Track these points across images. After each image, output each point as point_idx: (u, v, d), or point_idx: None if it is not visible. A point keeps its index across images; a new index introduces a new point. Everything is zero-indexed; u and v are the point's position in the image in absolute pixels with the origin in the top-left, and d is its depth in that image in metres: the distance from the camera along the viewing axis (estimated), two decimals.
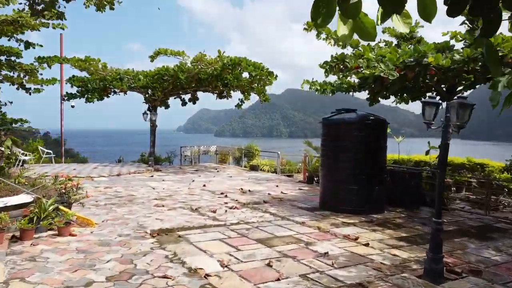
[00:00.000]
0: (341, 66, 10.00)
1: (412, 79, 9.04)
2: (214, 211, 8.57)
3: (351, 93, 13.07)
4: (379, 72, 8.61)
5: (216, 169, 18.28)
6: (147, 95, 17.78)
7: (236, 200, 10.15)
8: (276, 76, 15.65)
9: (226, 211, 8.73)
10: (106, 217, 7.71)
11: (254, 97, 19.31)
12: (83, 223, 6.99)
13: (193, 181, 13.79)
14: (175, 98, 21.32)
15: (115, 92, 18.17)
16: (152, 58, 15.48)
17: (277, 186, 13.03)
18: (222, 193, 11.22)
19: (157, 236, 6.52)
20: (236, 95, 19.73)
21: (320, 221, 8.06)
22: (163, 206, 9.04)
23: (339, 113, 9.78)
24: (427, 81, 9.37)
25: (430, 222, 6.30)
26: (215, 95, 20.06)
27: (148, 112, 17.26)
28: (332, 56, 10.19)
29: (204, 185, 12.71)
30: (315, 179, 14.21)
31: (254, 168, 17.74)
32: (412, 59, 8.56)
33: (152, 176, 14.72)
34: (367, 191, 9.04)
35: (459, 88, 10.03)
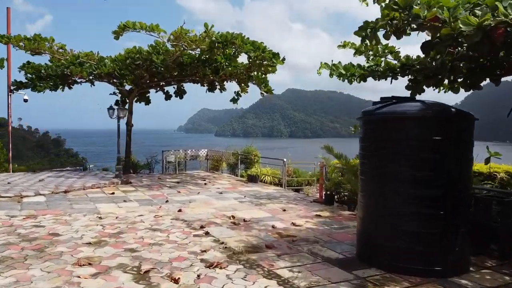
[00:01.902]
0: (401, 23, 6.06)
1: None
2: (177, 280, 4.68)
3: (389, 79, 9.37)
4: (492, 21, 4.57)
5: (205, 179, 14.41)
6: (117, 86, 13.88)
7: (222, 244, 6.28)
8: (283, 59, 11.74)
9: (199, 276, 4.85)
10: None
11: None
12: None
13: (167, 201, 9.92)
14: (157, 91, 17.47)
15: (76, 82, 14.32)
16: (117, 34, 11.57)
17: (284, 210, 9.16)
18: (202, 227, 7.35)
19: None
20: (231, 87, 15.86)
21: None
22: (89, 264, 5.15)
23: (389, 103, 5.88)
24: None
25: None
26: (205, 87, 16.18)
27: (114, 107, 13.28)
28: (384, 6, 6.20)
29: (180, 210, 8.84)
30: (336, 198, 10.37)
31: (252, 179, 13.87)
32: None
33: (113, 193, 10.84)
34: (444, 237, 5.18)
35: None
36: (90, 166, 20.20)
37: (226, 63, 12.79)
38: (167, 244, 6.20)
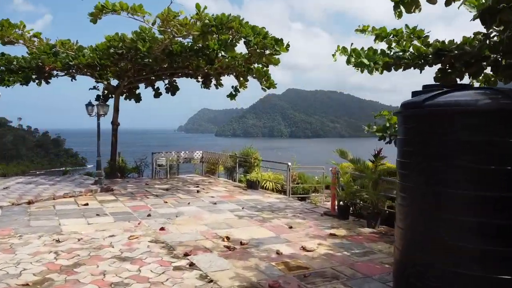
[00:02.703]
0: None
1: None
2: None
3: (417, 69, 7.94)
4: None
5: (198, 185, 12.74)
6: (97, 79, 12.19)
7: (211, 283, 4.63)
8: (288, 45, 10.05)
9: None
10: None
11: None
12: None
13: (149, 215, 8.26)
14: (146, 87, 15.82)
15: (52, 75, 12.66)
16: (94, 17, 9.86)
17: (290, 227, 7.49)
18: (186, 254, 5.69)
19: None
20: (229, 82, 14.20)
21: None
22: None
23: (439, 92, 4.18)
24: None
25: None
26: (200, 82, 14.52)
27: (94, 103, 11.57)
28: None
29: (163, 228, 7.17)
30: (351, 209, 8.73)
31: (252, 185, 12.21)
32: None
33: (87, 204, 9.17)
34: None
35: None
36: (89, 166, 18.23)
37: (222, 52, 11.12)
38: (136, 285, 4.54)
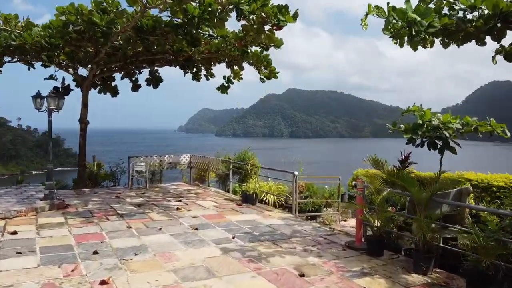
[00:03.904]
0: None
1: None
2: None
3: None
4: None
5: (181, 198, 10.20)
6: (45, 63, 9.59)
7: None
8: (296, 14, 7.49)
9: None
10: None
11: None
12: None
13: (96, 252, 5.69)
14: (122, 77, 13.29)
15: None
16: None
17: (302, 275, 4.95)
18: None
19: None
20: (223, 72, 11.63)
21: None
22: None
23: None
24: None
25: None
26: (189, 72, 11.97)
27: (42, 95, 8.90)
28: None
29: (104, 282, 4.63)
30: (385, 241, 6.18)
31: (248, 198, 9.67)
32: None
33: (14, 232, 6.60)
34: None
35: None
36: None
37: (208, 29, 8.58)
38: None
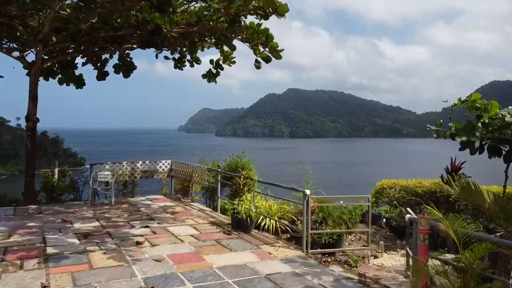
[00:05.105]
0: None
1: None
2: None
3: None
4: None
5: (148, 226, 7.49)
6: None
7: None
8: None
9: None
10: None
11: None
12: None
13: None
14: (84, 63, 10.64)
15: None
16: None
17: None
18: None
19: None
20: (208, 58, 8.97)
21: None
22: None
23: None
24: None
25: None
26: (155, 48, 9.29)
27: None
28: None
29: None
30: None
31: (241, 224, 7.01)
32: None
33: None
34: None
35: None
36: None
37: None
38: None
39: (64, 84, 11.32)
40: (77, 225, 7.31)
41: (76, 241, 6.27)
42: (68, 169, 12.02)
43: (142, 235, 6.67)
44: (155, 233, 6.87)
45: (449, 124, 6.24)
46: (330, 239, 6.61)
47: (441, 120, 6.54)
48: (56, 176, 10.99)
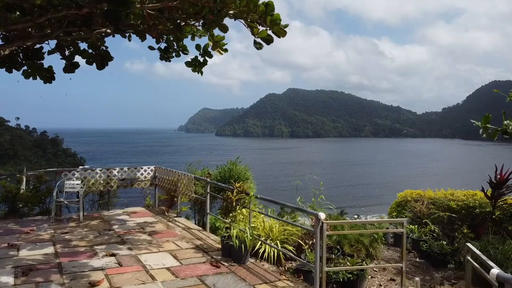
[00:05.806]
0: None
1: None
2: None
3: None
4: None
5: (114, 254, 5.89)
6: None
7: None
8: None
9: None
10: None
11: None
12: None
13: None
14: (51, 51, 8.97)
15: None
16: None
17: None
18: None
19: None
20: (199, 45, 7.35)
21: None
22: None
23: None
24: None
25: None
26: (116, 29, 7.67)
27: None
28: None
29: None
30: None
31: (233, 252, 5.42)
32: None
33: None
34: None
35: None
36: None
37: None
38: None
39: (31, 78, 9.73)
40: (23, 253, 5.71)
41: (11, 280, 4.67)
42: (45, 175, 10.37)
43: (103, 269, 5.07)
44: (121, 265, 5.26)
45: (505, 122, 4.71)
46: (351, 275, 5.00)
47: (490, 114, 4.95)
48: (24, 183, 9.41)
